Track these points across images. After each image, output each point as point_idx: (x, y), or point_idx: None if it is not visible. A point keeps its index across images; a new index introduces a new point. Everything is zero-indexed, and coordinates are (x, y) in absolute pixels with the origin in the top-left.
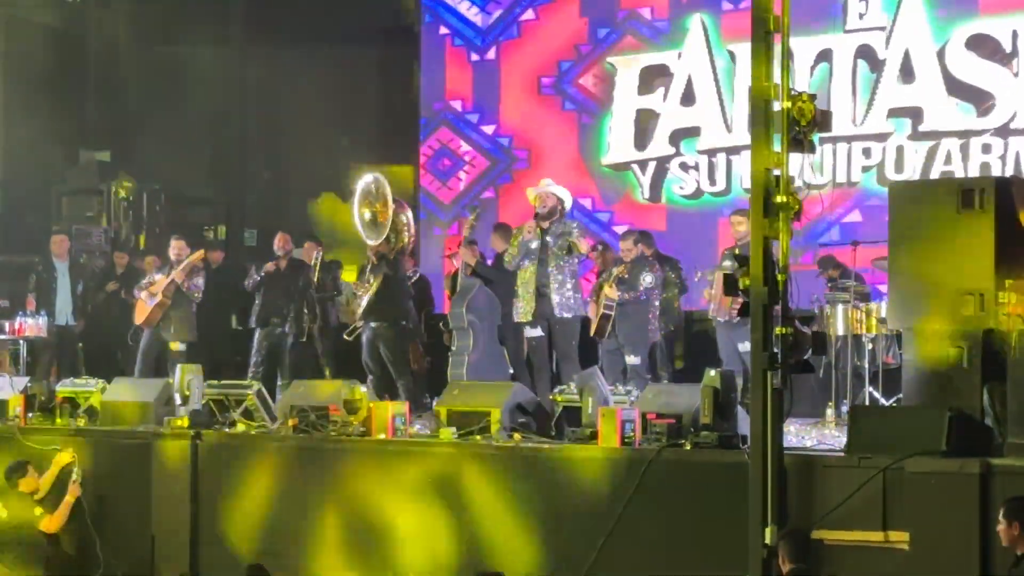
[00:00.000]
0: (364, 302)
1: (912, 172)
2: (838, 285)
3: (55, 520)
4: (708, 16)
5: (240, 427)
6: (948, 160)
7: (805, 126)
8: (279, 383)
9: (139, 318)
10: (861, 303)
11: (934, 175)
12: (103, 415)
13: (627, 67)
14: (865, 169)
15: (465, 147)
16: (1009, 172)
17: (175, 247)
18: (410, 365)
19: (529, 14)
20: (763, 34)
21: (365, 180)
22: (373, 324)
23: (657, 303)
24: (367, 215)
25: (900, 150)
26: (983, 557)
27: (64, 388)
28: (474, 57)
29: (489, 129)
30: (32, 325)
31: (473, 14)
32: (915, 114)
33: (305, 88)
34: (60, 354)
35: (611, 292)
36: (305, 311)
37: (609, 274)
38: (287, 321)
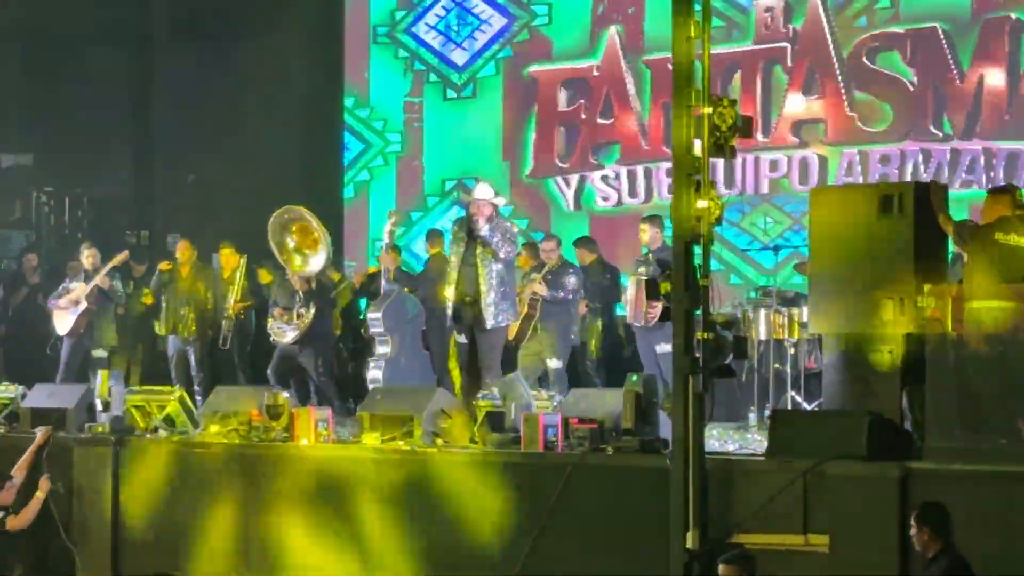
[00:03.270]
0: (295, 335)
1: (815, 182)
2: None
3: (22, 518)
4: (622, 28)
5: (162, 433)
6: (849, 171)
7: (726, 131)
8: (195, 388)
9: (62, 328)
10: (783, 307)
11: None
12: (24, 421)
13: (549, 79)
14: (772, 180)
15: None
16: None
17: (89, 255)
18: (334, 371)
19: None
20: (684, 39)
21: (279, 216)
22: (303, 344)
23: (577, 307)
24: (287, 255)
25: (804, 161)
26: (902, 560)
27: None
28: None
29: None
30: None
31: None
32: (819, 125)
33: (229, 89)
34: None
35: (539, 288)
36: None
37: (536, 271)
38: (189, 328)
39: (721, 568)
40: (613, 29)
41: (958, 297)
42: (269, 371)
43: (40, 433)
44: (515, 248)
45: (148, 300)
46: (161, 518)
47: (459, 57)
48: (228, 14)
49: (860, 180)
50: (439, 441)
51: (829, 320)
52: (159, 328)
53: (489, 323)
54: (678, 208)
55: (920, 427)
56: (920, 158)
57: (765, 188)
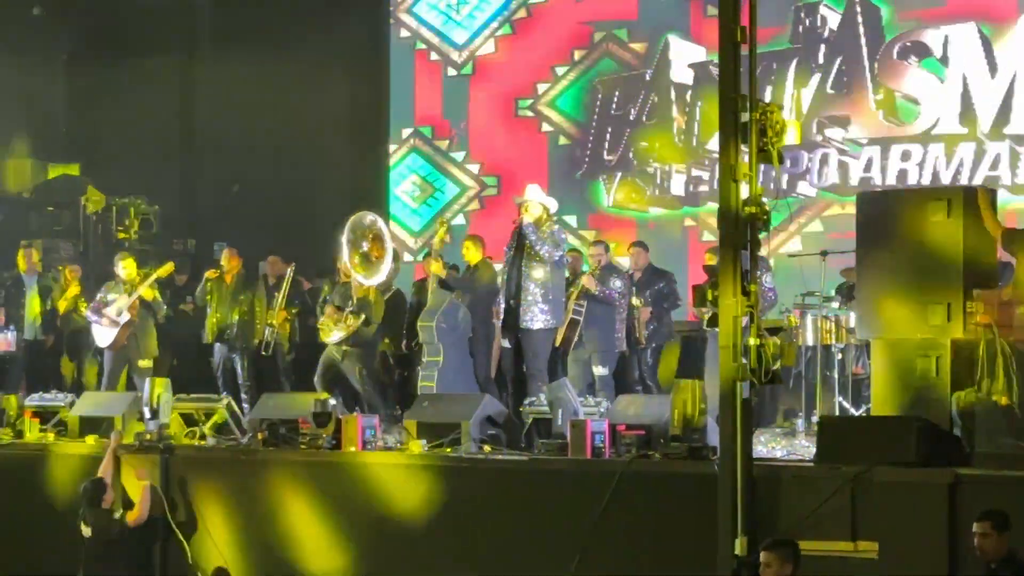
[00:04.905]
0: (337, 336)
1: (834, 180)
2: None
3: (139, 511)
4: (677, 34)
5: (210, 441)
6: (868, 167)
7: (773, 136)
8: (242, 396)
9: (103, 340)
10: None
11: (853, 182)
12: (72, 429)
13: (608, 88)
14: (793, 177)
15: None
16: (927, 178)
17: (125, 266)
18: (379, 379)
19: (507, 28)
20: (730, 46)
21: (361, 218)
22: (344, 348)
23: (624, 311)
24: (358, 257)
25: (824, 157)
26: (951, 566)
27: (33, 403)
28: (450, 72)
29: (459, 156)
30: (1, 340)
31: (450, 29)
32: (844, 122)
33: (274, 100)
34: (29, 368)
35: (589, 283)
36: (256, 325)
37: (584, 274)
38: (235, 336)
39: (763, 555)
40: (669, 37)
41: (1007, 302)
42: (316, 379)
43: (113, 437)
44: (559, 251)
45: (188, 308)
46: (210, 524)
47: (459, 36)
48: (273, 24)
49: (877, 178)
50: (486, 448)
51: (877, 325)
52: (206, 336)
53: (525, 323)
54: (724, 214)
55: (969, 433)
56: (943, 155)
57: (783, 184)
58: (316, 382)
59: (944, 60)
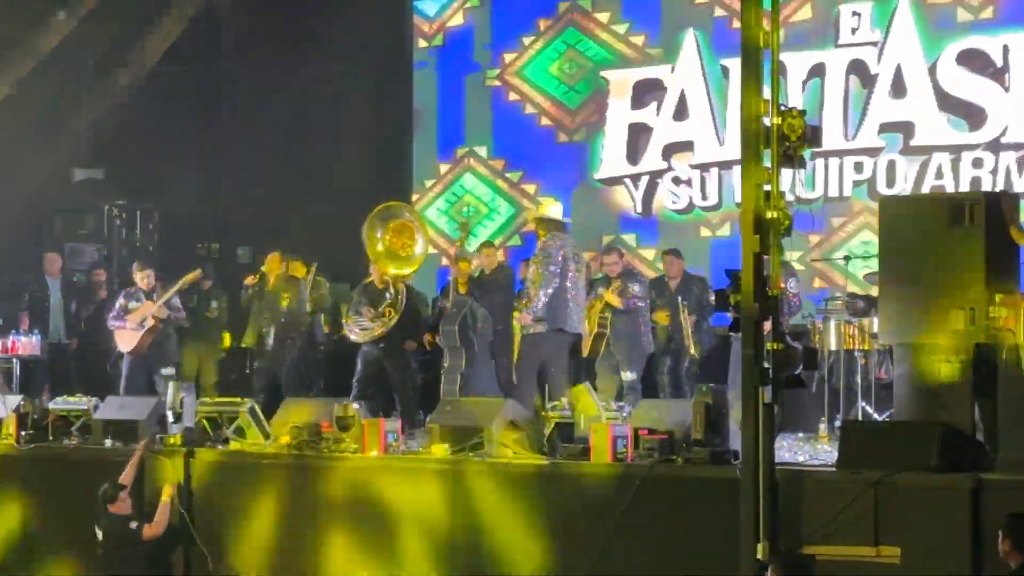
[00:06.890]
0: (379, 332)
1: (903, 187)
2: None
3: (157, 526)
4: (701, 32)
5: (233, 445)
6: (939, 175)
7: (795, 141)
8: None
9: (127, 345)
10: (854, 319)
11: (925, 189)
12: (96, 433)
13: (621, 81)
14: (856, 184)
15: None
16: (1000, 186)
17: (143, 276)
18: (412, 383)
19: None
20: (752, 50)
21: (391, 210)
22: (383, 345)
23: (648, 314)
24: (383, 246)
25: (892, 165)
26: (975, 572)
27: (57, 406)
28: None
29: None
30: (25, 343)
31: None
32: (906, 129)
33: (298, 104)
34: (53, 372)
35: (614, 299)
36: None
37: (602, 284)
38: (271, 337)
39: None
40: (692, 32)
41: None
42: (355, 379)
43: (140, 445)
44: (553, 265)
45: (211, 313)
46: (232, 528)
47: (430, 8)
48: (294, 29)
49: (950, 185)
50: (509, 452)
51: (900, 331)
52: (246, 339)
53: (524, 329)
54: (746, 218)
55: (992, 438)
56: (1013, 162)
57: (849, 191)
58: (356, 383)
59: (1006, 67)
